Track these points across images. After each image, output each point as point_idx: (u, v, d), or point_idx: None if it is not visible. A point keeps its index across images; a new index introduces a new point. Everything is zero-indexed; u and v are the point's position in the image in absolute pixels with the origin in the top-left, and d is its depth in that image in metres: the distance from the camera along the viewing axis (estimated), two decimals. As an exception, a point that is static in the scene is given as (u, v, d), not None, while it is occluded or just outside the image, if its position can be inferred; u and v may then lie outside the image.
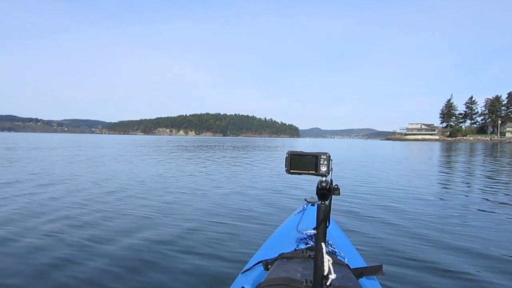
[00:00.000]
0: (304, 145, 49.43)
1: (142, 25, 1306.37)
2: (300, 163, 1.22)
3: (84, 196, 6.26)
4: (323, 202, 1.19)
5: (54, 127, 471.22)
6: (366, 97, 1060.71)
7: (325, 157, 1.18)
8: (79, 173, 9.97)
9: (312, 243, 1.61)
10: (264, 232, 4.04)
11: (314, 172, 1.20)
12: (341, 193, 1.21)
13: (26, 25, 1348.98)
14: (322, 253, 1.16)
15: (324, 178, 1.18)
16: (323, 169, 1.18)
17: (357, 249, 2.08)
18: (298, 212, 2.26)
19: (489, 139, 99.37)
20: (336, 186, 1.20)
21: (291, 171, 1.23)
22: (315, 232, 1.20)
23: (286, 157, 1.23)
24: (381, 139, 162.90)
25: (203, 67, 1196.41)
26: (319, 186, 1.18)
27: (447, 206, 6.14)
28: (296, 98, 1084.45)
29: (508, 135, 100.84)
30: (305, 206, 2.31)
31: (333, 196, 1.20)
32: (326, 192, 1.18)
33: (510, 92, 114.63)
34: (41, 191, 6.74)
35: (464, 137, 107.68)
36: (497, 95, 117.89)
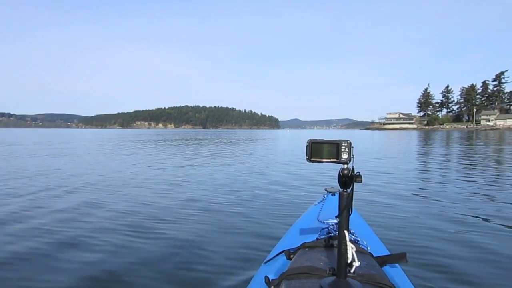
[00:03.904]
0: (284, 137, 48.92)
1: (120, 18, 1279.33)
2: (321, 151, 1.20)
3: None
4: (345, 190, 1.17)
5: (28, 122, 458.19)
6: (345, 88, 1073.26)
7: (346, 144, 1.16)
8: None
9: (334, 232, 1.59)
10: (285, 222, 4.04)
11: (335, 159, 1.18)
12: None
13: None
14: (346, 241, 1.15)
15: (345, 166, 1.16)
16: (344, 156, 1.16)
17: (379, 237, 2.08)
18: (319, 202, 2.28)
19: (465, 127, 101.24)
20: (358, 173, 1.18)
21: (312, 159, 1.21)
22: (337, 221, 1.19)
23: (307, 145, 1.21)
24: (360, 129, 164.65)
25: (181, 59, 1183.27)
26: (340, 173, 1.16)
27: (467, 193, 6.05)
28: (276, 89, 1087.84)
29: (483, 123, 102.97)
30: (325, 196, 2.28)
31: (355, 183, 1.18)
32: (348, 179, 1.16)
33: (485, 81, 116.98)
34: None
35: (441, 126, 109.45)
36: (472, 84, 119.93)
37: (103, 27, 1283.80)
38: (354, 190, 1.19)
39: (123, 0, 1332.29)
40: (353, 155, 1.17)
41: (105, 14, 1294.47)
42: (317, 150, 1.20)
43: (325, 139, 1.20)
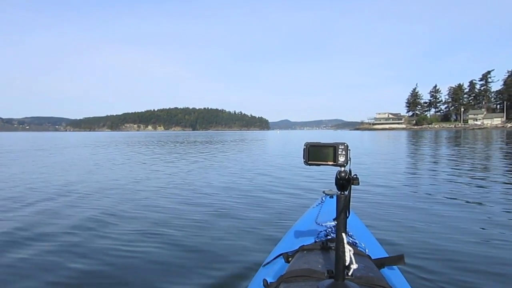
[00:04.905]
0: (274, 137, 48.95)
1: (108, 20, 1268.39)
2: (318, 154, 1.20)
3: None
4: (342, 193, 1.18)
5: (15, 125, 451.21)
6: (334, 88, 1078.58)
7: (343, 147, 1.17)
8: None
9: (332, 234, 1.60)
10: (283, 225, 4.03)
11: (332, 162, 1.19)
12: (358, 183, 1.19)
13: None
14: (343, 243, 1.15)
15: (342, 168, 1.17)
16: (342, 159, 1.17)
17: (377, 239, 2.08)
18: (317, 205, 2.28)
19: (453, 126, 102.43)
20: (355, 176, 1.18)
21: (309, 162, 1.22)
22: (335, 223, 1.19)
23: (304, 148, 1.22)
24: (350, 129, 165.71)
25: (170, 61, 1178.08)
26: (338, 176, 1.17)
27: (465, 193, 6.02)
28: (266, 90, 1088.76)
29: (470, 122, 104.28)
30: (323, 198, 2.32)
31: (352, 186, 1.19)
32: (345, 182, 1.16)
33: (472, 81, 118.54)
34: None
35: (429, 125, 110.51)
36: (460, 84, 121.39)
37: (91, 29, 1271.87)
38: (352, 192, 1.19)
39: (109, 1, 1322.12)
40: (350, 158, 1.18)
41: (92, 16, 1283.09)
42: (314, 153, 1.21)
43: (321, 141, 1.21)
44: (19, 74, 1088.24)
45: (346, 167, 1.17)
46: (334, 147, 1.18)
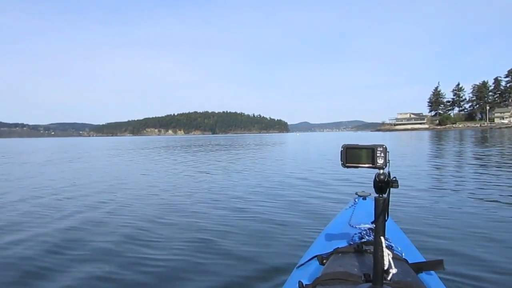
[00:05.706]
0: (294, 140, 48.89)
1: (126, 25, 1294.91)
2: (356, 156, 1.20)
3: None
4: (381, 195, 1.17)
5: (41, 131, 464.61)
6: (354, 89, 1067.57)
7: (381, 149, 1.16)
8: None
9: (367, 237, 1.58)
10: (315, 227, 4.04)
11: (371, 164, 1.18)
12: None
13: (3, 27, 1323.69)
14: (382, 247, 1.14)
15: (381, 171, 1.16)
16: (380, 161, 1.16)
17: (414, 243, 2.03)
18: (350, 207, 2.25)
19: (478, 125, 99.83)
20: (394, 179, 1.17)
21: (347, 164, 1.21)
22: (369, 226, 1.21)
23: (342, 150, 1.21)
24: (371, 131, 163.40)
25: (189, 66, 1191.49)
26: (376, 179, 1.16)
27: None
28: (284, 93, 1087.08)
29: (497, 120, 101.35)
30: (356, 200, 2.30)
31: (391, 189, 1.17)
32: (384, 185, 1.15)
33: (497, 77, 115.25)
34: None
35: (453, 125, 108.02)
36: (484, 81, 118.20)
37: (111, 34, 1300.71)
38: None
39: (126, 7, 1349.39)
40: (389, 160, 1.16)
41: (114, 22, 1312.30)
42: (352, 155, 1.20)
43: (359, 143, 1.21)
44: (43, 82, 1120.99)
45: (385, 169, 1.17)
46: (372, 149, 1.17)
